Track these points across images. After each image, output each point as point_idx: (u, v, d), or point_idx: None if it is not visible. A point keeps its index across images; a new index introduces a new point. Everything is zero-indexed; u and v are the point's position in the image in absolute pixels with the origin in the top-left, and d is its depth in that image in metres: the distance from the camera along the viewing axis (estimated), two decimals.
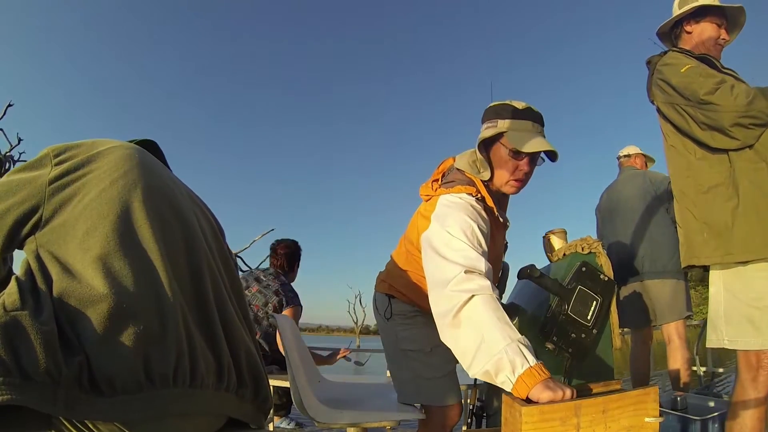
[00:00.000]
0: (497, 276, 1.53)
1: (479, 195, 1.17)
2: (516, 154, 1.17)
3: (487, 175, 1.22)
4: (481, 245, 1.06)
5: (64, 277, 0.58)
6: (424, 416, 1.36)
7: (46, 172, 0.65)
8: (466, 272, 0.96)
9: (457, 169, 1.26)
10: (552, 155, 1.21)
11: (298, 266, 2.81)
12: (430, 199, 1.27)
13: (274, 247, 2.74)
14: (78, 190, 0.64)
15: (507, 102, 1.22)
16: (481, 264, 0.99)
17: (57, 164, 0.66)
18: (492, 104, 1.25)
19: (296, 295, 2.64)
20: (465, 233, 1.05)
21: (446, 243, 1.05)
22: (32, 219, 0.63)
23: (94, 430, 0.57)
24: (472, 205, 1.13)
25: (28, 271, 0.59)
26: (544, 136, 1.20)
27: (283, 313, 2.47)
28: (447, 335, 0.95)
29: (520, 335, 0.87)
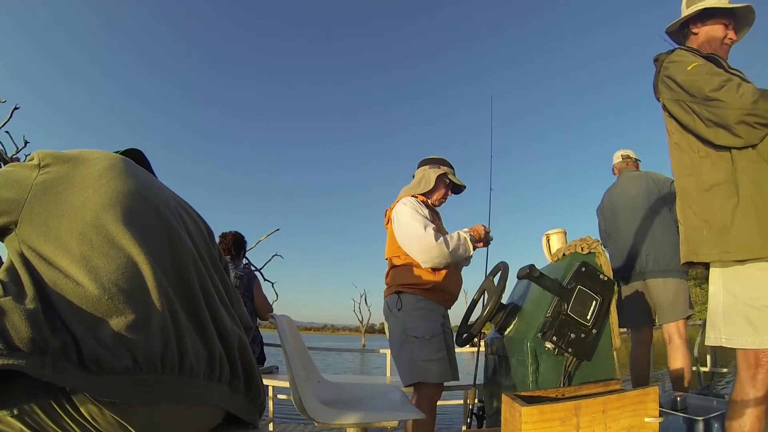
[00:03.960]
0: None
1: (417, 197, 2.01)
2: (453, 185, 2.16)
3: (425, 190, 2.05)
4: (425, 215, 1.90)
5: (50, 271, 0.61)
6: (424, 416, 1.37)
7: (33, 176, 0.69)
8: (426, 228, 1.83)
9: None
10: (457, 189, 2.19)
11: (243, 254, 3.12)
12: (389, 219, 2.02)
13: (224, 235, 3.03)
14: (62, 195, 0.68)
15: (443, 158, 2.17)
16: (429, 222, 1.88)
17: (44, 167, 0.71)
18: (438, 157, 2.15)
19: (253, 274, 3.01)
20: (416, 211, 1.89)
21: (410, 217, 1.88)
22: (12, 214, 0.66)
23: (90, 420, 0.59)
24: (413, 201, 1.95)
25: (11, 266, 0.62)
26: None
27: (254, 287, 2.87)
28: (445, 254, 1.82)
29: (462, 231, 1.97)
